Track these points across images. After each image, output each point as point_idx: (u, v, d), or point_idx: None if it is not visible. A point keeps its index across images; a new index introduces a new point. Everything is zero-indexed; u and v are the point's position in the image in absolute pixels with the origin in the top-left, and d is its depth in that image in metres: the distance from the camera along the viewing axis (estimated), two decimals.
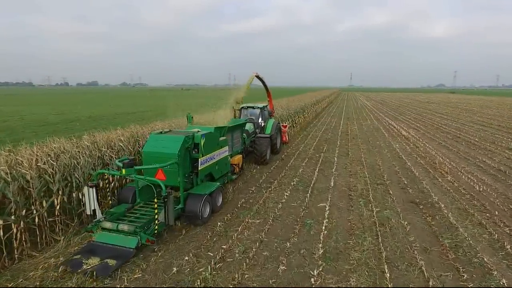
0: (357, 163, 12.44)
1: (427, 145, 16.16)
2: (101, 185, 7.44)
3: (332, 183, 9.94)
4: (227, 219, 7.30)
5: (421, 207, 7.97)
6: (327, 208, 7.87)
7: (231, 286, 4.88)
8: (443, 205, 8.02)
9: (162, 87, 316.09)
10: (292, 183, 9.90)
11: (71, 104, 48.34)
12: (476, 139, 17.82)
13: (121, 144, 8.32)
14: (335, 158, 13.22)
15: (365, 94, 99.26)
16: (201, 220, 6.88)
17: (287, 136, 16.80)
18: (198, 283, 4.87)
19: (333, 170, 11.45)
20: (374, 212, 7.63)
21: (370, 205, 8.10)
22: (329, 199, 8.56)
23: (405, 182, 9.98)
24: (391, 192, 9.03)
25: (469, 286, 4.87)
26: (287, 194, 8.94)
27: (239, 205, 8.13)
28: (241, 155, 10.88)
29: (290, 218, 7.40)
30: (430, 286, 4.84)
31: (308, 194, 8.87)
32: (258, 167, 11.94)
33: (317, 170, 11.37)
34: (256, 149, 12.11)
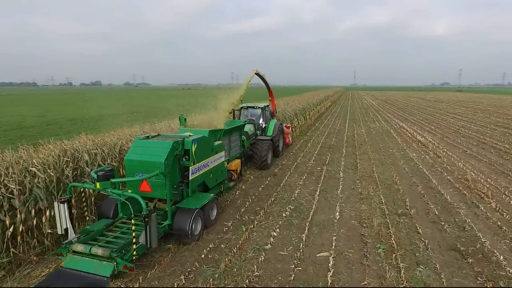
0: (368, 181, 9.88)
1: (450, 153, 13.55)
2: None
3: (337, 213, 7.39)
4: (177, 285, 4.79)
5: (469, 260, 5.41)
6: (330, 262, 5.34)
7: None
8: (501, 257, 5.46)
9: (165, 86, 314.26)
10: (283, 214, 7.36)
11: (63, 104, 46.07)
12: (506, 145, 15.16)
13: None
14: (341, 173, 10.66)
15: (369, 93, 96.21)
16: (191, 239, 5.96)
17: (290, 138, 15.42)
18: None
19: (339, 191, 8.90)
20: (402, 270, 5.09)
21: (394, 255, 5.56)
22: (334, 243, 6.03)
23: (436, 212, 7.42)
24: (420, 231, 6.47)
25: None
26: (275, 233, 6.42)
27: (203, 256, 5.62)
28: (239, 160, 9.83)
29: (274, 283, 4.88)
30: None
31: (304, 235, 6.33)
32: (243, 186, 9.43)
33: (318, 192, 8.82)
34: (256, 153, 11.05)
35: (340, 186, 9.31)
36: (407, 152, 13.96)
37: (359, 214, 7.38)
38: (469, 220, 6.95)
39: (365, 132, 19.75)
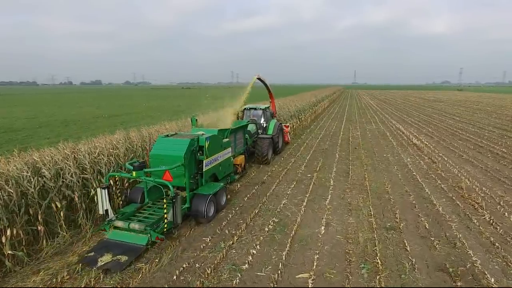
0: (359, 189, 9.53)
1: (446, 158, 13.19)
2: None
3: (323, 227, 7.04)
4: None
5: (458, 283, 5.06)
6: (309, 285, 5.00)
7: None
8: (492, 279, 5.11)
9: (165, 85, 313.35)
10: (266, 228, 7.02)
11: (57, 105, 45.75)
12: (503, 149, 14.80)
13: None
14: (331, 181, 10.31)
15: (369, 92, 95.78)
16: (206, 219, 7.18)
17: (289, 136, 16.40)
18: None
19: (327, 202, 8.55)
20: None
21: (378, 277, 5.21)
22: (315, 262, 5.68)
23: (426, 226, 7.07)
24: (408, 248, 6.12)
25: None
26: (255, 250, 6.08)
27: (175, 277, 5.26)
28: (243, 156, 11.06)
29: None
30: None
31: (285, 253, 5.98)
32: (228, 195, 9.05)
33: (305, 202, 8.47)
34: (257, 150, 12.25)
35: (329, 196, 8.95)
36: (401, 157, 13.60)
37: (345, 228, 7.02)
38: (460, 236, 6.60)
39: (360, 135, 19.39)
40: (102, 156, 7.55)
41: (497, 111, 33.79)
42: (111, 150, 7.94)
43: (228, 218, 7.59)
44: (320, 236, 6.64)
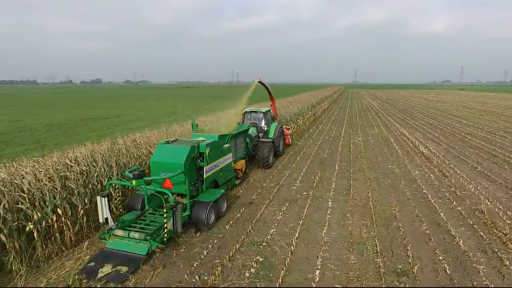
0: (362, 213, 8.13)
1: (458, 171, 11.77)
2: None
3: (317, 271, 5.63)
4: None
5: None
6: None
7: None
8: None
9: (165, 84, 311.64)
10: (247, 273, 5.60)
11: (50, 105, 44.32)
12: None
13: None
14: (330, 202, 8.90)
15: (370, 92, 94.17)
16: (207, 227, 7.01)
17: (290, 139, 16.26)
18: None
19: (324, 232, 7.14)
20: None
21: None
22: None
23: (447, 270, 5.66)
24: None
25: None
26: None
27: None
28: (244, 160, 10.88)
29: None
30: None
31: None
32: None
33: (297, 233, 7.06)
34: (258, 154, 12.04)
35: (327, 223, 7.54)
36: (408, 168, 12.18)
37: (346, 273, 5.62)
38: (492, 286, 5.20)
39: (362, 141, 17.96)
40: (49, 180, 6.14)
41: (505, 113, 32.30)
42: (61, 174, 6.52)
43: (202, 256, 6.18)
44: (314, 286, 5.25)
